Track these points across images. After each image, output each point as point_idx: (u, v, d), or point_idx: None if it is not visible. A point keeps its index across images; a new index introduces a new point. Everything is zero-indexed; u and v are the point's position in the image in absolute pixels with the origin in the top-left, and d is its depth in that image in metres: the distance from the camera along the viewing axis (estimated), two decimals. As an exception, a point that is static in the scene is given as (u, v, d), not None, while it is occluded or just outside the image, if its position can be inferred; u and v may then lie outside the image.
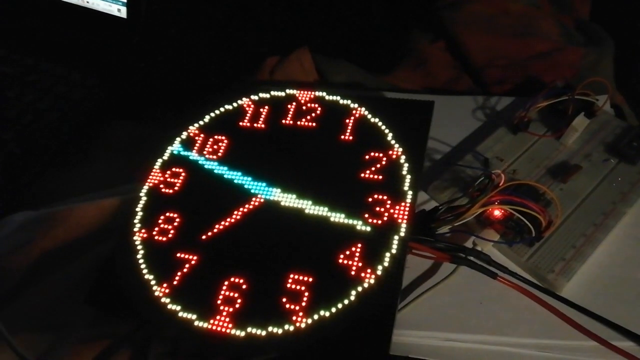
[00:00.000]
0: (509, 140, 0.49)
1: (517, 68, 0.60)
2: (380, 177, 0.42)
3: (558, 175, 0.46)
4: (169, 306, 0.38)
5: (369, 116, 0.46)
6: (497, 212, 0.42)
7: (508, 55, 0.61)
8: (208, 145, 0.47)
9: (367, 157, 0.43)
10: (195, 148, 0.47)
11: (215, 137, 0.47)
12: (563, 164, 0.47)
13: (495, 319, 0.39)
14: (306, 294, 0.37)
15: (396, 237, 0.38)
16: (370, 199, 0.40)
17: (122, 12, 0.59)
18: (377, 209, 0.40)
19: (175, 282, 0.39)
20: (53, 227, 0.43)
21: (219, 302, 0.37)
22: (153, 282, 0.39)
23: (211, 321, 0.37)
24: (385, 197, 0.40)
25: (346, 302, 0.36)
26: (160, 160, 0.47)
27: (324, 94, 0.48)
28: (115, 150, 0.53)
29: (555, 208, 0.41)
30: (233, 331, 0.36)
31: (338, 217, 0.40)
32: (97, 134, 0.55)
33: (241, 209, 0.42)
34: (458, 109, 0.55)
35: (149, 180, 0.45)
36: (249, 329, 0.36)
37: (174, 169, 0.46)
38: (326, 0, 0.68)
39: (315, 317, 0.36)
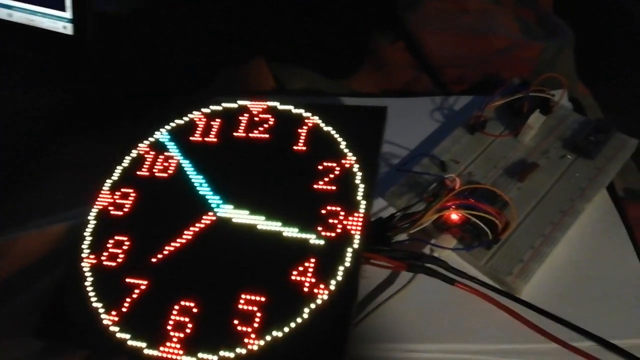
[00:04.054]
0: (466, 141, 0.48)
1: (476, 66, 0.60)
2: (334, 187, 0.41)
3: (515, 174, 0.45)
4: (118, 335, 0.37)
5: (322, 125, 0.45)
6: (454, 217, 0.41)
7: (466, 53, 0.61)
8: (158, 163, 0.46)
9: (320, 167, 0.42)
10: (145, 166, 0.46)
11: (166, 154, 0.46)
12: (520, 163, 0.46)
13: (456, 327, 0.38)
14: (258, 314, 0.36)
15: (350, 250, 0.37)
16: (323, 211, 0.39)
17: (69, 29, 0.57)
18: (331, 220, 0.39)
19: (124, 309, 0.38)
20: (-3, 259, 0.41)
21: (169, 327, 0.36)
22: (102, 310, 0.38)
23: (161, 348, 0.36)
24: (338, 209, 0.39)
25: (299, 320, 0.35)
26: (109, 181, 0.45)
27: (277, 104, 0.47)
28: (68, 169, 0.51)
29: (511, 209, 0.40)
30: (184, 358, 0.35)
31: (291, 232, 0.39)
32: (49, 152, 0.53)
33: (192, 228, 0.41)
34: (416, 111, 0.54)
35: (97, 203, 0.44)
36: (200, 355, 0.35)
37: (123, 190, 0.44)
38: (282, 6, 0.67)
39: (268, 338, 0.34)
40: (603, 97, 0.59)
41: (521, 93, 0.49)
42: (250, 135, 0.46)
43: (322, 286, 0.36)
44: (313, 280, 0.36)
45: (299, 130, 0.45)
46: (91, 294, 0.39)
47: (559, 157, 0.46)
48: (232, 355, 0.34)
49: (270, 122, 0.46)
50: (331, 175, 0.42)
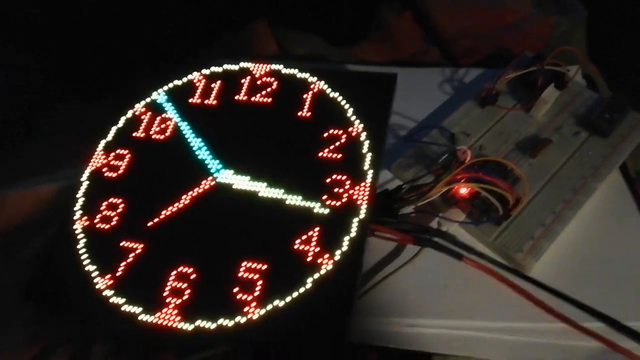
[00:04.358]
0: (477, 114, 0.47)
1: (487, 39, 0.58)
2: (340, 156, 0.39)
3: (527, 149, 0.44)
4: (112, 299, 0.35)
5: (328, 91, 0.43)
6: (463, 190, 0.40)
7: (477, 26, 0.59)
8: (155, 125, 0.44)
9: (325, 134, 0.40)
10: (141, 128, 0.43)
11: (163, 115, 0.44)
12: (532, 138, 0.45)
13: (461, 303, 0.37)
14: (259, 282, 0.34)
15: (355, 220, 0.36)
16: (328, 180, 0.38)
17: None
18: (336, 190, 0.37)
19: (118, 274, 0.36)
20: (-16, 217, 0.39)
21: (165, 294, 0.35)
22: (95, 274, 0.37)
23: (157, 314, 0.34)
24: (344, 178, 0.38)
25: (302, 290, 0.34)
26: (103, 142, 0.43)
27: (281, 67, 0.45)
28: (59, 132, 0.49)
29: (523, 185, 0.38)
30: (180, 325, 0.34)
31: (294, 200, 0.37)
32: (40, 115, 0.50)
33: (190, 193, 0.39)
34: (424, 82, 0.52)
35: (91, 164, 0.42)
36: (197, 322, 0.33)
37: (118, 151, 0.42)
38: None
39: (269, 307, 0.33)
40: (613, 78, 0.58)
41: (536, 66, 0.47)
42: (252, 99, 0.44)
43: (326, 256, 0.34)
44: (317, 249, 0.35)
45: (304, 96, 0.43)
46: (84, 256, 0.37)
47: (572, 133, 0.45)
48: (231, 323, 0.33)
49: (274, 87, 0.44)
50: (337, 144, 0.40)
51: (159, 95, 0.45)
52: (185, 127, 0.43)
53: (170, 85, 0.46)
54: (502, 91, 0.48)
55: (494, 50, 0.57)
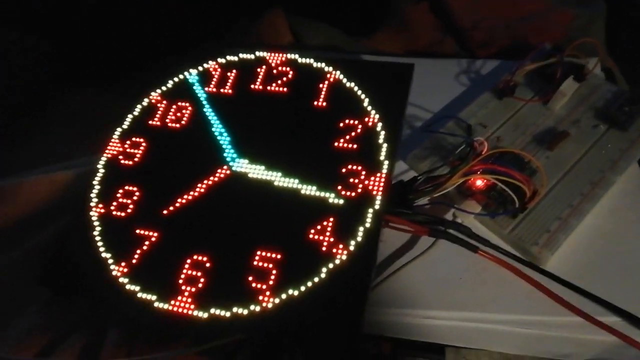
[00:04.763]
0: (494, 106, 0.46)
1: (504, 30, 0.57)
2: (355, 146, 0.39)
3: (544, 142, 0.43)
4: (128, 286, 0.35)
5: (344, 80, 0.43)
6: (479, 182, 0.39)
7: (495, 16, 0.58)
8: (171, 113, 0.44)
9: (341, 124, 0.40)
10: (157, 116, 0.44)
11: (179, 104, 0.44)
12: (550, 131, 0.44)
13: (476, 295, 0.37)
14: (274, 272, 0.34)
15: (370, 210, 0.36)
16: (344, 170, 0.38)
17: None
18: (351, 180, 0.37)
19: (134, 261, 0.36)
20: (1, 203, 0.39)
21: (180, 281, 0.35)
22: (110, 261, 0.37)
23: (172, 302, 0.34)
24: (359, 168, 0.38)
25: (316, 279, 0.34)
26: (119, 130, 0.43)
27: (296, 56, 0.45)
28: (72, 119, 0.49)
29: (540, 177, 0.38)
30: (195, 312, 0.34)
31: (309, 190, 0.37)
32: (52, 103, 0.51)
33: (206, 182, 0.39)
34: (441, 72, 0.52)
35: (107, 152, 0.42)
36: (212, 310, 0.34)
37: (134, 139, 0.43)
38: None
39: (284, 296, 0.33)
40: (631, 71, 0.57)
41: (555, 58, 0.46)
42: (268, 88, 0.44)
43: (341, 246, 0.34)
44: (332, 239, 0.35)
45: (320, 85, 0.43)
46: (99, 243, 0.38)
47: (591, 126, 0.44)
48: (245, 312, 0.33)
49: (289, 76, 0.44)
50: (352, 134, 0.40)
51: (175, 84, 0.45)
52: (200, 116, 0.43)
53: (186, 73, 0.46)
54: (520, 83, 0.47)
55: (511, 41, 0.56)
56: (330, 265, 0.34)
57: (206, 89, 0.44)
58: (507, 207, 0.39)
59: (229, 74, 0.45)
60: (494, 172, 0.38)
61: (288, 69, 0.44)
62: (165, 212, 0.38)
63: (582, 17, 0.58)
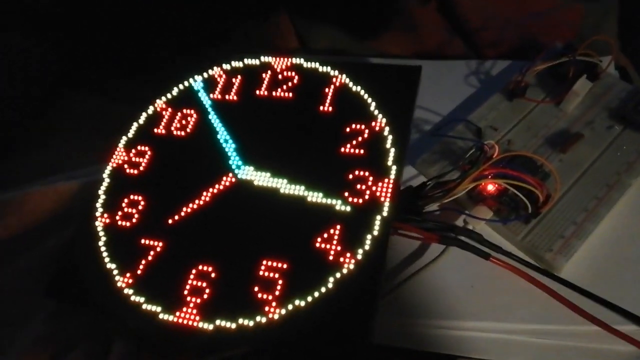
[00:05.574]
0: (504, 108, 0.45)
1: (514, 29, 0.56)
2: (362, 151, 0.38)
3: (557, 144, 0.42)
4: (132, 298, 0.35)
5: (350, 84, 0.42)
6: (490, 187, 0.38)
7: (504, 15, 0.57)
8: (176, 121, 0.43)
9: (347, 129, 0.39)
10: (162, 124, 0.43)
11: (184, 111, 0.44)
12: (563, 133, 0.43)
13: (488, 304, 0.36)
14: (280, 282, 0.34)
15: (378, 217, 0.35)
16: (350, 176, 0.37)
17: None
18: (358, 186, 0.36)
19: (139, 272, 0.36)
20: (6, 215, 0.40)
21: (185, 292, 0.34)
22: (115, 272, 0.36)
23: (177, 313, 0.34)
24: (367, 174, 0.37)
25: (323, 290, 0.33)
26: (124, 138, 0.43)
27: (302, 60, 0.44)
28: (75, 128, 0.49)
29: (554, 181, 0.37)
30: (200, 324, 0.33)
31: (315, 197, 0.37)
32: (55, 110, 0.50)
33: (211, 190, 0.39)
34: (449, 74, 0.51)
35: (112, 161, 0.42)
36: (217, 322, 0.33)
37: (139, 148, 0.42)
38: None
39: (290, 307, 0.33)
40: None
41: (567, 57, 0.45)
42: (273, 94, 0.43)
43: (348, 255, 0.34)
44: (339, 248, 0.34)
45: (326, 90, 0.42)
46: (105, 254, 0.37)
47: (605, 127, 0.43)
48: (251, 323, 0.32)
49: (295, 81, 0.43)
50: (359, 139, 0.39)
51: (180, 91, 0.45)
52: (205, 124, 0.43)
53: (191, 80, 0.45)
54: (531, 84, 0.46)
55: (521, 40, 0.55)
56: (338, 275, 0.33)
57: (211, 95, 0.44)
58: (519, 212, 0.37)
59: (233, 80, 0.44)
60: (506, 177, 0.37)
61: (293, 73, 0.44)
62: (170, 221, 0.38)
63: (594, 14, 0.56)
